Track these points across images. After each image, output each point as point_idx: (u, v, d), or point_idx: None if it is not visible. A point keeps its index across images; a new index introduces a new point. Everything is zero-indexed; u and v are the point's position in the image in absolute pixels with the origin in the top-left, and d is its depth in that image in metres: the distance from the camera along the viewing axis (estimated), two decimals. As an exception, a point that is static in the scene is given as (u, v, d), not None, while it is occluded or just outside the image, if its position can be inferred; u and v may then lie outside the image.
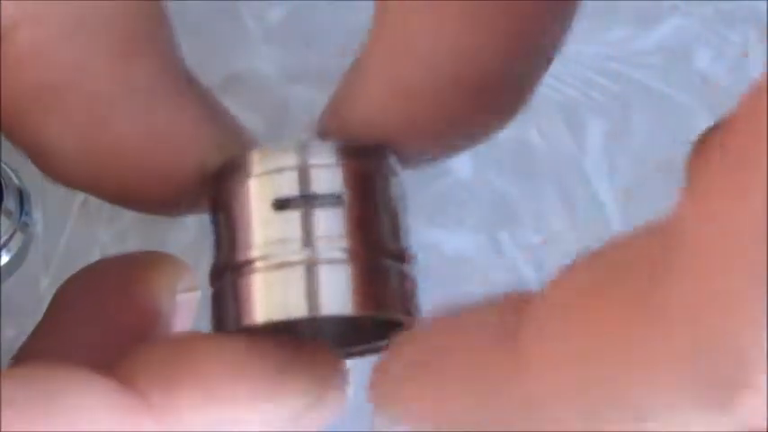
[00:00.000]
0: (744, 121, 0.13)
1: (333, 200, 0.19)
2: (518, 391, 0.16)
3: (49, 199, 0.39)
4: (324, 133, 0.21)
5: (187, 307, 0.22)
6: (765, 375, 0.13)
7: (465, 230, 0.39)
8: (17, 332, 0.36)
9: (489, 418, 0.16)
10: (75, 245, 0.38)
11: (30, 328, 0.22)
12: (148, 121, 0.20)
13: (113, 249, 0.38)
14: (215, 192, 0.20)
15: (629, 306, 0.14)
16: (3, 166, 0.37)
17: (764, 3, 0.40)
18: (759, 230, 0.13)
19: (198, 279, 0.22)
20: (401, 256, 0.19)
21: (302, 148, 0.19)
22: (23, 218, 0.37)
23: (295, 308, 0.19)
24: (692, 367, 0.14)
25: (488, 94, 0.19)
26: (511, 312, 0.16)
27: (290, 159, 0.19)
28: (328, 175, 0.19)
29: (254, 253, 0.19)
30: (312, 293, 0.18)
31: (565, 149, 0.40)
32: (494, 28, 0.18)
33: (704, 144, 0.18)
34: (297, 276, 0.19)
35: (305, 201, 0.19)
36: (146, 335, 0.21)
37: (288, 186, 0.19)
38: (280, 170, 0.19)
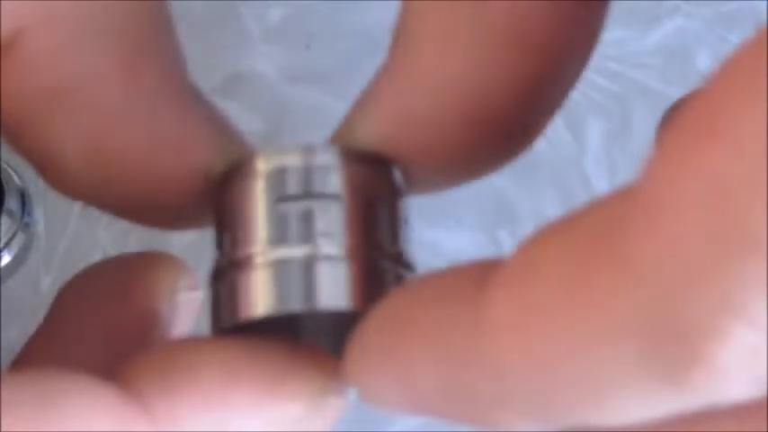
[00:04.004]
0: (713, 89, 0.13)
1: (334, 199, 0.19)
2: (483, 357, 0.15)
3: (50, 199, 0.39)
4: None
5: (188, 307, 0.22)
6: (723, 350, 0.13)
7: (465, 230, 0.39)
8: (18, 331, 0.36)
9: (457, 392, 0.16)
10: (77, 245, 0.38)
11: (31, 327, 0.22)
12: (153, 128, 0.20)
13: (114, 250, 0.38)
14: (219, 194, 0.20)
15: (588, 251, 0.14)
16: (4, 166, 0.37)
17: (764, 4, 0.40)
18: (722, 189, 0.13)
19: (199, 280, 0.22)
20: (399, 260, 0.20)
21: (306, 150, 0.19)
22: (25, 218, 0.38)
23: (293, 301, 0.19)
24: (647, 330, 0.14)
25: (494, 129, 0.19)
26: (479, 277, 0.16)
27: (294, 160, 0.19)
28: (330, 176, 0.19)
29: (255, 249, 0.19)
30: (310, 288, 0.19)
31: (565, 149, 0.40)
32: (501, 64, 0.18)
33: (674, 112, 0.18)
34: (296, 271, 0.19)
35: (306, 199, 0.19)
36: (147, 335, 0.21)
37: (290, 185, 0.19)
38: (283, 170, 0.19)
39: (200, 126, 0.20)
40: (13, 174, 0.37)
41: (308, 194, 0.19)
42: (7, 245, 0.37)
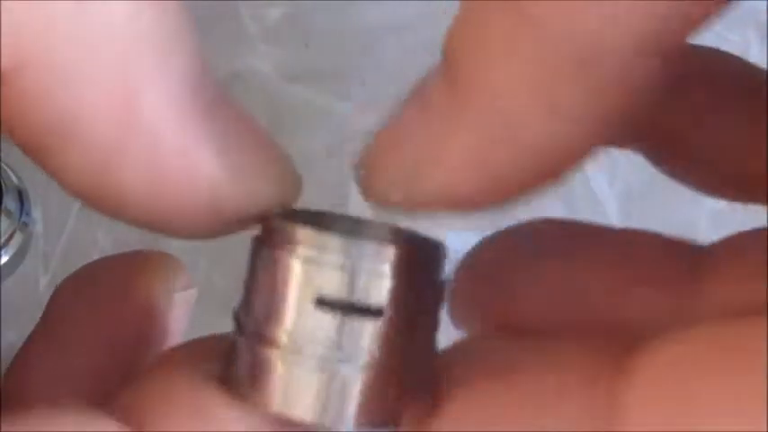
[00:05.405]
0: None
1: (373, 312, 0.19)
2: None
3: (48, 199, 0.39)
4: (381, 197, 0.20)
5: (183, 306, 0.22)
6: None
7: (465, 230, 0.39)
8: (17, 331, 0.36)
9: None
10: (75, 245, 0.38)
11: (29, 327, 0.22)
12: (153, 164, 0.19)
13: (113, 249, 0.38)
14: (257, 250, 0.20)
15: None
16: (3, 166, 0.37)
17: (764, 3, 0.40)
18: None
19: (194, 279, 0.22)
20: (423, 380, 0.19)
21: (353, 246, 0.19)
22: (23, 218, 0.37)
23: (304, 411, 0.19)
24: None
25: (557, 173, 0.19)
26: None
27: (339, 256, 0.19)
28: (374, 285, 0.19)
29: (283, 337, 0.19)
30: (324, 403, 0.19)
31: (565, 149, 0.40)
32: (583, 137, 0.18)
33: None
34: (315, 380, 0.19)
35: (345, 306, 0.19)
36: (143, 334, 0.21)
37: (331, 286, 0.19)
38: (326, 264, 0.19)
39: (208, 153, 0.19)
40: (11, 173, 0.37)
41: (347, 303, 0.19)
42: (5, 245, 0.37)
